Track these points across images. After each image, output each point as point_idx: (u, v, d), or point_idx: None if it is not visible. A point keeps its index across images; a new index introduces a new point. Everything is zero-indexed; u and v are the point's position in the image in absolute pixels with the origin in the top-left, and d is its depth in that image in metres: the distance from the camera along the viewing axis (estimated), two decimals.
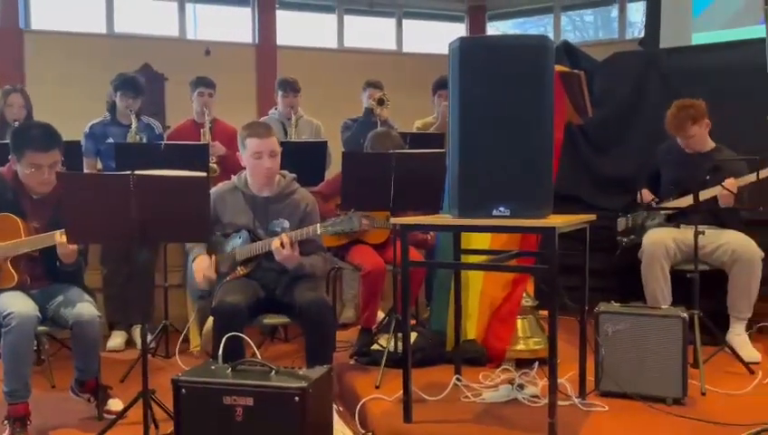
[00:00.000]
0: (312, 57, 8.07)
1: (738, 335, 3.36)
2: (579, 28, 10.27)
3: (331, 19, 8.87)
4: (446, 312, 3.28)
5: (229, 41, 8.05)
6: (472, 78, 2.22)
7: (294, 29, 8.59)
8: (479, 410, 2.58)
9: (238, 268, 2.81)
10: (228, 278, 2.79)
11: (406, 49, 9.10)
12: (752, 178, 3.20)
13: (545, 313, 4.08)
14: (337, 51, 8.73)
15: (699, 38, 4.69)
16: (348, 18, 8.94)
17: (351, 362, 3.26)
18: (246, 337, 2.37)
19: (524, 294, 3.31)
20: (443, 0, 9.22)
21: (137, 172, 2.34)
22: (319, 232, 2.69)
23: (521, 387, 2.71)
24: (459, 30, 9.48)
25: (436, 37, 9.08)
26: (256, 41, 8.19)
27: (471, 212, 2.27)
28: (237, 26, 8.31)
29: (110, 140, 3.94)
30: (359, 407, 2.64)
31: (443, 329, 3.33)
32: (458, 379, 2.82)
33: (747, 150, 3.29)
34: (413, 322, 3.89)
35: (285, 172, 2.94)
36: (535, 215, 2.23)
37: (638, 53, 4.88)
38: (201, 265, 2.79)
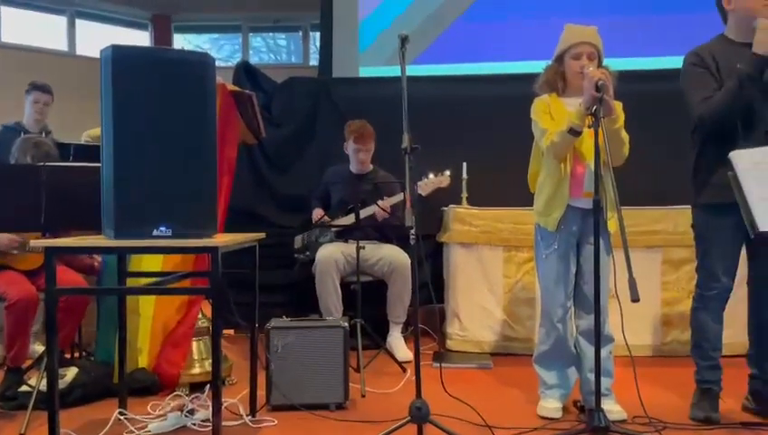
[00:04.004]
0: None
1: (395, 338, 3.78)
2: (273, 50, 10.61)
3: None
4: (113, 341, 3.01)
5: None
6: (126, 90, 2.08)
7: None
8: None
9: None
10: None
11: (80, 51, 8.29)
12: (400, 197, 3.66)
13: (225, 332, 4.06)
14: None
15: (365, 71, 5.21)
16: (6, 10, 7.78)
17: None
18: None
19: (200, 315, 3.22)
20: (123, 4, 8.65)
21: None
22: None
23: (191, 413, 2.62)
24: (143, 38, 9.02)
25: (117, 42, 8.49)
26: None
27: (129, 232, 2.12)
28: None
29: None
30: None
31: (110, 360, 3.06)
32: (121, 412, 2.60)
33: (399, 174, 3.73)
34: (77, 355, 3.51)
35: None
36: (199, 234, 2.17)
37: (311, 80, 5.18)
38: None
